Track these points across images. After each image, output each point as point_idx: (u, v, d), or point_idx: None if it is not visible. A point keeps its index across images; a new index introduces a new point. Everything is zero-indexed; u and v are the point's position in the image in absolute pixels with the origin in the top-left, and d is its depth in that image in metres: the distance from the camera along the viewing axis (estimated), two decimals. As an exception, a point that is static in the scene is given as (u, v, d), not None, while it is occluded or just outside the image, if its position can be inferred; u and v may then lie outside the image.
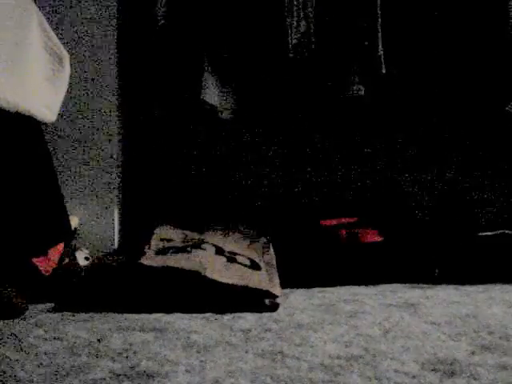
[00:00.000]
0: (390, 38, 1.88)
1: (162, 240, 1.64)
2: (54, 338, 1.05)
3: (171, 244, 1.60)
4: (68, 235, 1.52)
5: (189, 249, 1.51)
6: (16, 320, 1.20)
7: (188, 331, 1.09)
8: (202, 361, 0.91)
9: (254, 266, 1.46)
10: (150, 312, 1.24)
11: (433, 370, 0.86)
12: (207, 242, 1.59)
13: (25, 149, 1.30)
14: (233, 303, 1.27)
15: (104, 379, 0.83)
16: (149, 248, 1.54)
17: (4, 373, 0.86)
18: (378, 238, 1.77)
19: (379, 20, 1.86)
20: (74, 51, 1.71)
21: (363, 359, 0.91)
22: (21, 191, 1.29)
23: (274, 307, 1.28)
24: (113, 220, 1.84)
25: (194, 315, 1.22)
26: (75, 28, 1.82)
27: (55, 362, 0.91)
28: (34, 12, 1.34)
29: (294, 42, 1.86)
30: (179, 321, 1.18)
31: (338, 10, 1.88)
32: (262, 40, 1.89)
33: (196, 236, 1.71)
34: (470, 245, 1.74)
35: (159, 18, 1.90)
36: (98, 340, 1.03)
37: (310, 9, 1.88)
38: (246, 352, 0.96)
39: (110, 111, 1.86)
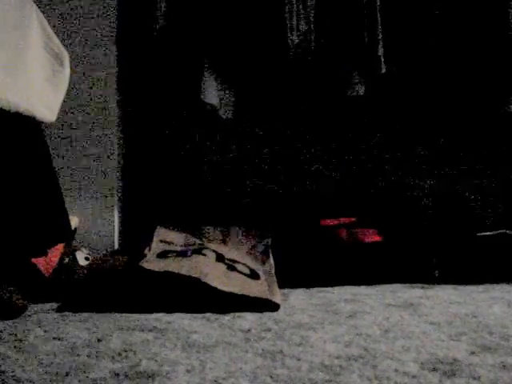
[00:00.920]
0: (389, 37, 1.88)
1: (162, 242, 1.64)
2: (54, 338, 1.05)
3: (171, 247, 1.60)
4: (68, 235, 1.52)
5: (189, 254, 1.51)
6: (16, 320, 1.20)
7: (188, 331, 1.09)
8: (202, 361, 0.91)
9: (254, 275, 1.47)
10: (150, 312, 1.24)
11: (433, 369, 0.86)
12: (208, 248, 1.59)
13: (25, 149, 1.30)
14: (231, 307, 1.28)
15: (104, 379, 0.83)
16: (149, 250, 1.54)
17: (4, 373, 0.86)
18: (378, 238, 1.77)
19: (379, 20, 1.86)
20: (73, 51, 1.71)
21: (363, 359, 0.91)
22: (21, 191, 1.29)
23: (274, 307, 1.28)
24: (113, 220, 1.84)
25: (194, 315, 1.23)
26: (75, 28, 1.83)
27: (55, 362, 0.91)
28: (34, 12, 1.34)
29: (294, 41, 1.86)
30: (179, 321, 1.18)
31: (338, 10, 1.88)
32: (262, 40, 1.89)
33: (196, 240, 1.71)
34: (470, 245, 1.74)
35: (159, 19, 1.90)
36: (98, 340, 1.04)
37: (310, 9, 1.88)
38: (246, 352, 0.96)
39: (110, 111, 1.86)
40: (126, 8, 1.96)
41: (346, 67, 1.89)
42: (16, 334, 1.08)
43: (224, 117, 1.97)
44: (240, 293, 1.32)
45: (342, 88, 1.91)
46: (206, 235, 1.77)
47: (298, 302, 1.38)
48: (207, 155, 2.09)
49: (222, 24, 1.90)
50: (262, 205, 2.06)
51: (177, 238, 1.70)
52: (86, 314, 1.24)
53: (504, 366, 0.88)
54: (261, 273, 1.49)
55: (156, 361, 0.91)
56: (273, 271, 1.55)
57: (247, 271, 1.48)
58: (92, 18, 1.84)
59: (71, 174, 1.82)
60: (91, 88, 1.84)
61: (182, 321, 1.18)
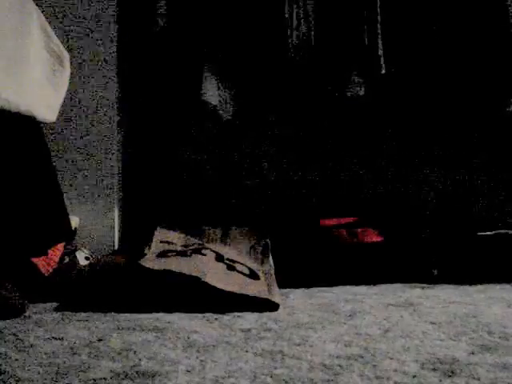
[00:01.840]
0: (389, 38, 1.88)
1: (162, 242, 1.64)
2: (54, 338, 1.05)
3: (171, 247, 1.60)
4: (68, 235, 1.52)
5: (189, 253, 1.51)
6: (16, 320, 1.20)
7: (188, 331, 1.09)
8: (202, 360, 0.91)
9: (253, 275, 1.47)
10: (150, 312, 1.24)
11: (432, 369, 0.86)
12: (207, 248, 1.59)
13: (25, 149, 1.30)
14: (230, 307, 1.28)
15: (104, 379, 0.83)
16: (149, 250, 1.54)
17: (4, 372, 0.86)
18: (378, 238, 1.77)
19: (379, 20, 1.86)
20: (74, 51, 1.71)
21: (363, 359, 0.91)
22: (21, 191, 1.29)
23: (273, 307, 1.28)
24: (113, 220, 1.84)
25: (194, 315, 1.23)
26: (75, 28, 1.83)
27: (55, 362, 0.91)
28: (34, 12, 1.34)
29: (294, 42, 1.86)
30: (179, 321, 1.18)
31: (338, 11, 1.88)
32: (262, 40, 1.89)
33: (196, 240, 1.71)
34: (470, 245, 1.74)
35: (159, 19, 1.90)
36: (98, 340, 1.04)
37: (310, 9, 1.88)
38: (246, 352, 0.96)
39: (110, 111, 1.86)
40: (126, 8, 1.96)
41: (345, 68, 1.89)
42: (16, 334, 1.08)
43: (224, 117, 1.97)
44: (239, 292, 1.32)
45: (341, 88, 1.91)
46: (206, 235, 1.77)
47: (298, 301, 1.38)
48: (207, 155, 2.09)
49: (222, 24, 1.90)
50: (262, 205, 2.06)
51: (176, 239, 1.70)
52: (85, 314, 1.24)
53: (504, 365, 0.88)
54: (260, 273, 1.50)
55: (156, 361, 0.91)
56: (272, 271, 1.55)
57: (247, 271, 1.48)
58: (92, 18, 1.84)
59: (71, 174, 1.82)
60: (91, 88, 1.84)
61: (182, 321, 1.18)
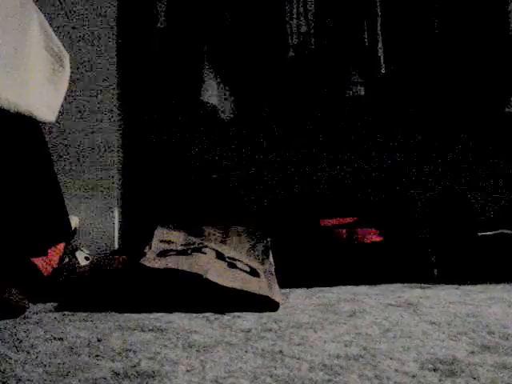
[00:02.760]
0: (389, 38, 1.88)
1: (162, 242, 1.64)
2: (54, 338, 1.05)
3: (171, 247, 1.60)
4: (68, 235, 1.52)
5: (189, 252, 1.52)
6: (16, 320, 1.20)
7: (188, 331, 1.09)
8: (202, 361, 0.91)
9: (254, 273, 1.47)
10: (150, 312, 1.24)
11: (432, 369, 0.86)
12: (207, 247, 1.59)
13: (25, 149, 1.30)
14: (232, 305, 1.28)
15: (104, 379, 0.83)
16: (149, 249, 1.54)
17: (4, 373, 0.86)
18: (378, 238, 1.77)
19: (379, 20, 1.86)
20: (74, 51, 1.71)
21: (363, 359, 0.91)
22: (21, 191, 1.29)
23: (274, 307, 1.28)
24: (113, 220, 1.84)
25: (194, 315, 1.23)
26: (75, 28, 1.83)
27: (55, 362, 0.91)
28: (34, 12, 1.34)
29: (294, 42, 1.86)
30: (179, 321, 1.18)
31: (338, 11, 1.88)
32: (262, 40, 1.89)
33: (196, 239, 1.71)
34: (470, 245, 1.74)
35: (159, 19, 1.90)
36: (98, 340, 1.03)
37: (310, 9, 1.88)
38: (246, 352, 0.96)
39: (110, 111, 1.86)
40: (126, 8, 1.96)
41: (345, 68, 1.89)
42: (16, 334, 1.08)
43: (224, 117, 1.97)
44: (240, 288, 1.32)
45: (341, 88, 1.91)
46: (206, 235, 1.77)
47: (298, 301, 1.38)
48: (207, 155, 2.09)
49: (222, 25, 1.90)
50: (262, 205, 2.07)
51: (176, 238, 1.70)
52: (85, 314, 1.24)
53: (504, 365, 0.88)
54: (261, 271, 1.50)
55: (156, 361, 0.91)
56: (273, 270, 1.55)
57: (247, 269, 1.48)
58: (92, 18, 1.84)
59: (71, 174, 1.82)
60: (91, 88, 1.84)
61: (182, 321, 1.18)
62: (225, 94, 1.94)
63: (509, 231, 1.77)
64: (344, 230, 1.79)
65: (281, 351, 0.96)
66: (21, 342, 1.03)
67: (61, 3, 1.82)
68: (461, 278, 1.63)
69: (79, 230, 1.78)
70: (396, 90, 1.99)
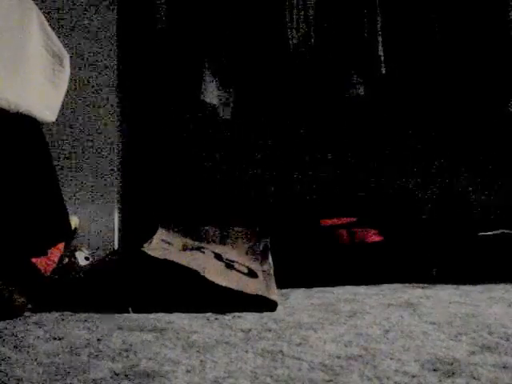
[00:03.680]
0: (390, 38, 1.88)
1: (163, 241, 1.65)
2: (54, 338, 1.05)
3: (171, 248, 1.61)
4: (68, 235, 1.52)
5: (188, 251, 1.52)
6: (16, 320, 1.20)
7: (188, 331, 1.09)
8: (202, 361, 0.91)
9: (252, 273, 1.47)
10: (150, 312, 1.24)
11: (433, 369, 0.86)
12: (206, 248, 1.60)
13: (25, 149, 1.30)
14: (229, 305, 1.28)
15: (104, 379, 0.83)
16: (149, 244, 1.55)
17: (4, 373, 0.86)
18: (378, 238, 1.77)
19: (379, 20, 1.86)
20: (74, 51, 1.71)
21: (363, 359, 0.91)
22: (21, 191, 1.29)
23: (272, 307, 1.28)
24: (113, 220, 1.84)
25: (194, 315, 1.23)
26: (75, 28, 1.82)
27: (55, 362, 0.91)
28: (34, 12, 1.34)
29: (294, 42, 1.86)
30: (179, 321, 1.18)
31: (338, 11, 1.88)
32: (262, 41, 1.89)
33: (195, 242, 1.72)
34: (470, 245, 1.74)
35: (159, 20, 1.90)
36: (98, 340, 1.03)
37: (310, 10, 1.88)
38: (246, 352, 0.96)
39: (110, 112, 1.86)
40: (126, 9, 1.96)
41: (345, 68, 1.89)
42: (16, 334, 1.08)
43: (224, 117, 1.97)
44: (237, 289, 1.32)
45: (341, 88, 1.91)
46: (206, 235, 1.77)
47: (298, 301, 1.38)
48: (207, 155, 2.09)
49: (223, 25, 1.90)
50: (262, 205, 2.06)
51: (176, 241, 1.71)
52: (85, 314, 1.24)
53: (504, 365, 0.87)
54: (259, 272, 1.50)
55: (156, 361, 0.91)
56: (271, 271, 1.55)
57: (245, 270, 1.49)
58: (92, 18, 1.84)
59: (71, 174, 1.82)
60: (91, 88, 1.84)
61: (182, 321, 1.18)
62: (225, 94, 1.95)
63: (509, 231, 1.77)
64: (344, 230, 1.79)
65: (281, 351, 0.96)
66: (21, 341, 1.03)
67: (61, 3, 1.82)
68: (461, 278, 1.63)
69: (79, 230, 1.78)
70: (396, 89, 1.99)
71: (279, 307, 1.30)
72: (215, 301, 1.29)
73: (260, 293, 1.33)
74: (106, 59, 1.85)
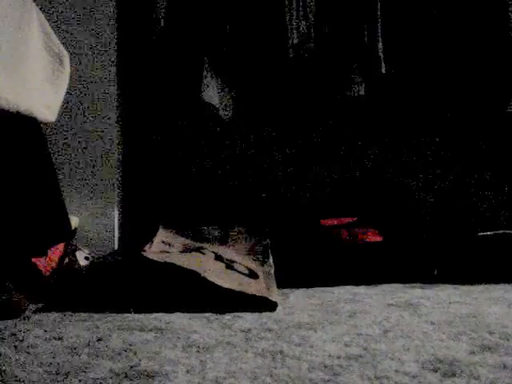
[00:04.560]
0: (390, 37, 1.88)
1: (163, 243, 1.65)
2: (54, 338, 1.05)
3: (171, 249, 1.61)
4: (68, 235, 1.52)
5: (189, 251, 1.53)
6: (16, 320, 1.20)
7: (188, 331, 1.09)
8: (202, 361, 0.91)
9: (252, 274, 1.47)
10: (150, 312, 1.24)
11: (433, 369, 0.86)
12: (207, 249, 1.60)
13: (25, 149, 1.30)
14: (230, 306, 1.28)
15: (104, 379, 0.83)
16: (150, 247, 1.55)
17: (4, 373, 0.86)
18: (378, 238, 1.77)
19: (379, 20, 1.86)
20: (74, 51, 1.71)
21: (363, 359, 0.91)
22: (21, 191, 1.29)
23: (272, 307, 1.28)
24: (113, 220, 1.84)
25: (194, 315, 1.22)
26: (75, 28, 1.82)
27: (55, 362, 0.91)
28: (34, 12, 1.34)
29: (294, 42, 1.86)
30: (179, 320, 1.18)
31: (338, 11, 1.88)
32: (262, 40, 1.89)
33: (195, 243, 1.72)
34: (470, 245, 1.74)
35: (159, 20, 1.90)
36: (98, 340, 1.03)
37: (310, 9, 1.88)
38: (246, 352, 0.96)
39: (110, 111, 1.86)
40: (126, 8, 1.96)
41: (346, 67, 1.89)
42: (16, 334, 1.08)
43: (224, 117, 1.97)
44: (238, 289, 1.32)
45: (342, 88, 1.91)
46: (206, 236, 1.78)
47: (298, 301, 1.38)
48: (207, 155, 2.09)
49: (223, 25, 1.90)
50: (262, 205, 2.06)
51: (176, 242, 1.71)
52: (85, 314, 1.24)
53: (504, 365, 0.87)
54: (260, 273, 1.50)
55: (156, 361, 0.91)
56: (272, 271, 1.55)
57: (246, 271, 1.49)
58: (92, 17, 1.84)
59: (71, 174, 1.82)
60: (91, 88, 1.84)
61: (182, 321, 1.18)
62: (225, 95, 1.95)
63: (509, 231, 1.77)
64: (344, 230, 1.79)
65: (281, 351, 0.96)
66: (21, 341, 1.03)
67: (61, 3, 1.82)
68: (461, 277, 1.63)
69: (79, 230, 1.78)
70: (396, 89, 1.99)
71: (279, 307, 1.29)
72: (216, 301, 1.29)
73: (261, 294, 1.33)
74: (106, 58, 1.85)
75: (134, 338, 1.04)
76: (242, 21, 1.89)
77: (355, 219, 1.88)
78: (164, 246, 1.62)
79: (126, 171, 2.00)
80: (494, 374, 0.84)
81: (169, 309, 1.26)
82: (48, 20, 1.40)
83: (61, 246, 1.53)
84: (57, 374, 0.85)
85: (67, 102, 1.60)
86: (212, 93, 1.91)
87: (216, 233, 1.81)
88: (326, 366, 0.88)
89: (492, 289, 1.53)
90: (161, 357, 0.93)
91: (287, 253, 1.70)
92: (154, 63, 2.02)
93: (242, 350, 0.97)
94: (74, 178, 1.82)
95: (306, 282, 1.58)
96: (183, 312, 1.25)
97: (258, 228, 1.84)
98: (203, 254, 1.53)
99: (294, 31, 1.86)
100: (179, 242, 1.72)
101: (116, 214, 1.86)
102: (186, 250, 1.64)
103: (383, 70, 1.86)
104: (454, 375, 0.84)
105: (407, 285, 1.60)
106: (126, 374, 0.85)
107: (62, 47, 1.41)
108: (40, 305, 1.33)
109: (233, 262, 1.54)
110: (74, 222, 1.72)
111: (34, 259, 1.42)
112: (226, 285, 1.32)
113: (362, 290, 1.54)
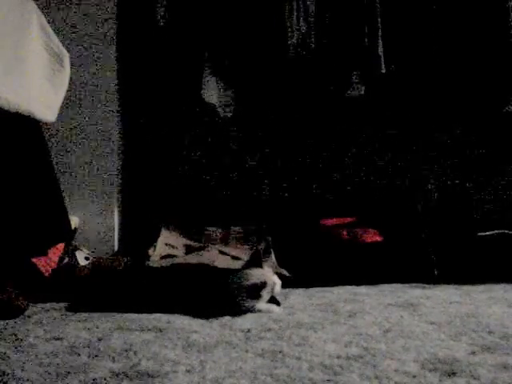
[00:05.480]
0: (390, 37, 1.88)
1: (167, 245, 1.66)
2: (54, 338, 1.05)
3: (175, 252, 1.62)
4: (68, 235, 1.52)
5: (193, 252, 1.54)
6: (16, 320, 1.20)
7: (188, 331, 1.09)
8: (202, 361, 0.91)
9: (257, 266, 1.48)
10: (150, 312, 1.24)
11: (433, 369, 0.86)
12: (210, 247, 1.62)
13: (25, 149, 1.30)
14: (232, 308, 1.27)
15: (104, 379, 0.83)
16: (153, 251, 1.56)
17: (4, 373, 0.86)
18: (378, 238, 1.77)
19: (379, 20, 1.86)
20: (74, 51, 1.71)
21: (363, 359, 0.91)
22: (21, 191, 1.29)
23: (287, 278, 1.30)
24: (113, 220, 1.84)
25: (194, 315, 1.22)
26: (75, 28, 1.83)
27: (55, 362, 0.91)
28: (34, 12, 1.34)
29: (294, 42, 1.86)
30: (179, 320, 1.17)
31: (339, 11, 1.88)
32: (262, 40, 1.89)
33: (198, 244, 1.73)
34: (470, 245, 1.74)
35: (159, 19, 1.90)
36: (98, 340, 1.03)
37: (310, 9, 1.88)
38: (246, 352, 0.96)
39: (111, 111, 1.86)
40: (126, 9, 1.96)
41: (345, 67, 1.89)
42: (16, 334, 1.08)
43: (224, 116, 1.97)
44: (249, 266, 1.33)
45: (341, 88, 1.91)
46: (207, 236, 1.78)
47: (298, 301, 1.38)
48: (207, 155, 2.09)
49: (223, 24, 1.90)
50: (263, 204, 2.06)
51: (179, 243, 1.72)
52: (85, 314, 1.24)
53: (504, 365, 0.87)
54: (265, 267, 1.51)
55: (156, 361, 0.91)
56: (275, 267, 1.55)
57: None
58: (92, 17, 1.84)
59: (71, 174, 1.82)
60: (91, 88, 1.84)
61: (182, 321, 1.18)
62: (225, 94, 1.94)
63: (509, 231, 1.77)
64: (344, 230, 1.79)
65: (281, 351, 0.96)
66: (21, 341, 1.03)
67: (61, 3, 1.82)
68: (461, 277, 1.63)
69: (79, 230, 1.78)
70: (396, 89, 1.99)
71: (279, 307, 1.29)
72: (223, 290, 1.27)
73: (274, 270, 1.35)
74: (106, 58, 1.85)
75: (134, 338, 1.04)
76: (242, 21, 1.89)
77: (355, 219, 1.88)
78: (168, 249, 1.63)
79: (127, 171, 2.00)
80: (494, 374, 0.84)
81: (169, 309, 1.26)
82: (47, 20, 1.40)
83: (61, 246, 1.54)
84: (57, 374, 0.85)
85: (67, 102, 1.60)
86: (212, 92, 1.91)
87: (217, 233, 1.81)
88: (325, 366, 0.88)
89: (492, 289, 1.53)
90: (161, 357, 0.93)
91: (287, 253, 1.70)
92: (154, 63, 2.02)
93: (242, 350, 0.97)
94: (74, 178, 1.82)
95: (306, 281, 1.58)
96: (183, 312, 1.25)
97: (259, 228, 1.85)
98: (208, 251, 1.55)
99: (294, 31, 1.86)
100: (182, 243, 1.72)
101: (116, 214, 1.86)
102: (191, 251, 1.65)
103: (383, 70, 1.86)
104: (453, 375, 0.84)
105: (407, 285, 1.60)
106: (126, 373, 0.85)
107: (62, 47, 1.41)
108: (40, 305, 1.33)
109: (237, 257, 1.55)
110: (74, 222, 1.72)
111: (34, 259, 1.42)
112: (236, 266, 1.34)
113: (362, 289, 1.53)
